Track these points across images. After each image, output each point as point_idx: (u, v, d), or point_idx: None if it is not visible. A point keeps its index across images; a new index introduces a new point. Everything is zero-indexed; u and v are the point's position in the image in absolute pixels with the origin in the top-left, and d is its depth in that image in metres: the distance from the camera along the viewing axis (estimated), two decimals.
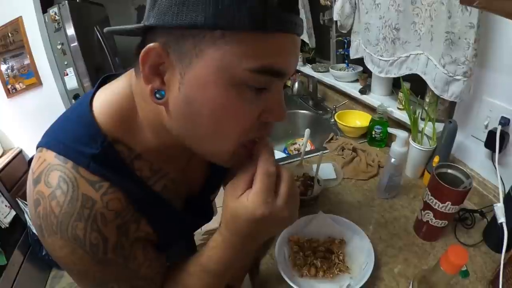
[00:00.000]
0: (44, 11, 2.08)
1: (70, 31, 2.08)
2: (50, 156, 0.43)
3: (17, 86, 2.18)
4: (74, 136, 0.44)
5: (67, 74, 2.16)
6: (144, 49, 0.37)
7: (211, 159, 0.48)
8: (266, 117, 0.43)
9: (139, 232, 0.49)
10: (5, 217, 1.78)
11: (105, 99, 0.47)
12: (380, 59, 1.12)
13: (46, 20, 2.09)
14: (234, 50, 0.36)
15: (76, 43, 2.10)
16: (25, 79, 2.16)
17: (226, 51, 0.36)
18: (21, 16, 2.04)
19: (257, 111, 0.42)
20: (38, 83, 2.16)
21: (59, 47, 2.11)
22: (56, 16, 2.05)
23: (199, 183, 0.65)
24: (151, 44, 0.37)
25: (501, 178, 0.73)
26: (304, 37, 1.84)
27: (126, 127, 0.46)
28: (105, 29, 0.44)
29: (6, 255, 1.68)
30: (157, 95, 0.41)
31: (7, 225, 1.77)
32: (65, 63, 2.14)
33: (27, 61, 2.13)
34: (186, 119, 0.41)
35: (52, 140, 0.44)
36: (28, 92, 2.19)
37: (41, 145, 0.45)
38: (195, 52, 0.36)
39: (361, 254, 0.69)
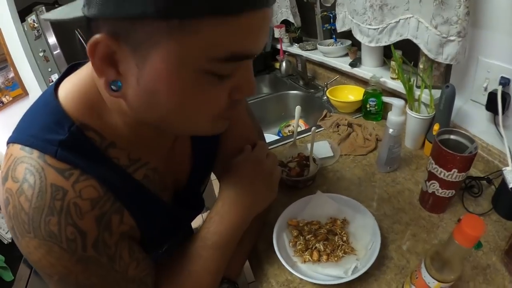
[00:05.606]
0: (22, 20, 2.04)
1: (52, 38, 2.03)
2: (16, 149, 0.40)
3: (3, 99, 2.15)
4: (40, 125, 0.41)
5: (52, 81, 2.11)
6: (90, 42, 0.33)
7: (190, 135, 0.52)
8: (235, 95, 0.41)
9: (123, 226, 0.45)
10: (6, 233, 1.77)
11: (70, 85, 0.44)
12: (369, 28, 1.07)
13: (25, 29, 2.06)
14: (195, 40, 0.31)
15: (58, 50, 2.05)
16: (11, 91, 2.13)
17: (185, 42, 0.31)
18: None
19: (224, 93, 0.40)
20: (24, 93, 2.14)
21: (41, 54, 2.07)
22: (35, 24, 2.01)
23: (186, 174, 0.62)
24: (97, 36, 0.32)
25: (507, 141, 0.70)
26: (289, 16, 1.79)
27: (94, 113, 0.43)
28: (43, 17, 0.40)
29: (12, 271, 1.67)
30: (113, 87, 0.37)
31: (10, 240, 1.76)
32: (49, 69, 2.11)
33: (11, 74, 2.09)
34: (151, 108, 0.39)
35: (19, 133, 0.42)
36: (16, 104, 2.17)
37: (9, 141, 0.42)
38: (150, 44, 0.32)
39: (365, 233, 0.65)
